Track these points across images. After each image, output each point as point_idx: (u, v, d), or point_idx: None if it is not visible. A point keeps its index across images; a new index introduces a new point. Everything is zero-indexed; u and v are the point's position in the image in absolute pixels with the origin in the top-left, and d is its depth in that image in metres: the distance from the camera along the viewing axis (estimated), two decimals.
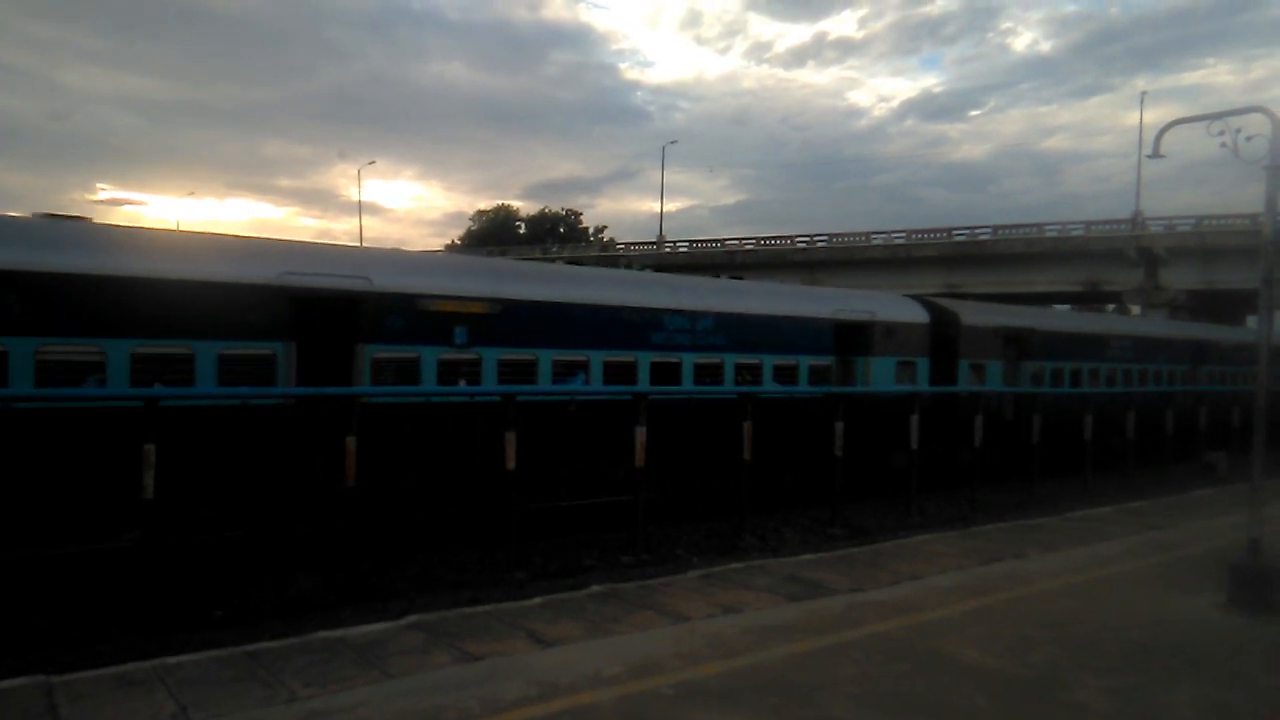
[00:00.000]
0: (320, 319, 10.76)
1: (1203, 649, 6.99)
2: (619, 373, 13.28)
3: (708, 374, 14.35)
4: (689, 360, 14.10)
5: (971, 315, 19.16)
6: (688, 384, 13.87)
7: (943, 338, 18.17)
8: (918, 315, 18.14)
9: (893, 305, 18.29)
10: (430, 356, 11.50)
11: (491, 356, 12.02)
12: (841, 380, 16.46)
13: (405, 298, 11.41)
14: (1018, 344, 19.75)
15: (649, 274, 17.75)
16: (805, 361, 15.76)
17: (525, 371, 12.37)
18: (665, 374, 13.81)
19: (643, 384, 13.18)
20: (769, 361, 15.20)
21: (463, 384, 11.74)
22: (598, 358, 13.10)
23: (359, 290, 11.06)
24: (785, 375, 15.46)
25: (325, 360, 10.76)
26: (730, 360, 14.62)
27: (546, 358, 12.58)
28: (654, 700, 5.51)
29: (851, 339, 16.70)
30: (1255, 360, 27.97)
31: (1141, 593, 8.71)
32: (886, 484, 15.38)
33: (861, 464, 14.82)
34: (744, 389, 13.74)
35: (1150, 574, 9.57)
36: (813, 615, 7.55)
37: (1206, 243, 45.47)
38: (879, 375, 16.77)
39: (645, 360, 13.58)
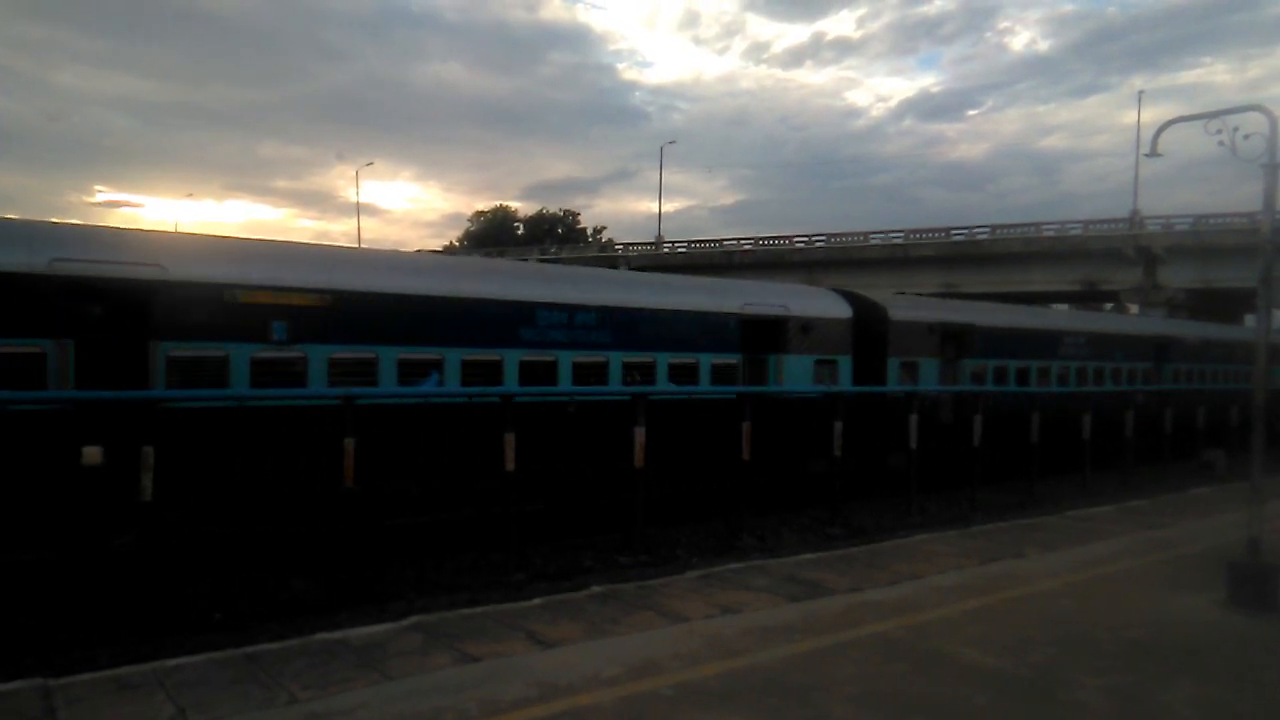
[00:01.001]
0: (102, 313, 9.67)
1: (1202, 648, 6.99)
2: (481, 372, 12.03)
3: (590, 374, 13.09)
4: (567, 359, 12.86)
5: (902, 310, 18.11)
6: (565, 384, 12.66)
7: (869, 334, 17.08)
8: (838, 310, 16.92)
9: (809, 299, 17.12)
10: (242, 355, 10.36)
11: (320, 355, 10.84)
12: (750, 380, 15.28)
13: (209, 288, 10.22)
14: (957, 341, 18.68)
15: (522, 263, 15.64)
16: (707, 360, 14.54)
17: (363, 372, 11.17)
18: (538, 374, 12.54)
19: (509, 384, 12.09)
20: (664, 360, 13.95)
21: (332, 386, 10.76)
22: (454, 356, 11.85)
23: (150, 279, 9.85)
24: (683, 375, 14.28)
25: (109, 360, 9.70)
26: (617, 359, 13.36)
27: (390, 356, 11.35)
28: (653, 701, 5.51)
29: (762, 336, 15.50)
30: (1225, 358, 27.51)
31: (1141, 592, 8.71)
32: (882, 483, 15.35)
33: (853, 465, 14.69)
34: (743, 389, 13.73)
35: (1149, 573, 9.57)
36: (812, 615, 7.55)
37: (1204, 241, 45.49)
38: (793, 374, 15.62)
39: (513, 359, 12.35)
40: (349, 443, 8.86)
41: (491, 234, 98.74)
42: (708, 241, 65.65)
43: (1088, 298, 54.21)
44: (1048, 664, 6.44)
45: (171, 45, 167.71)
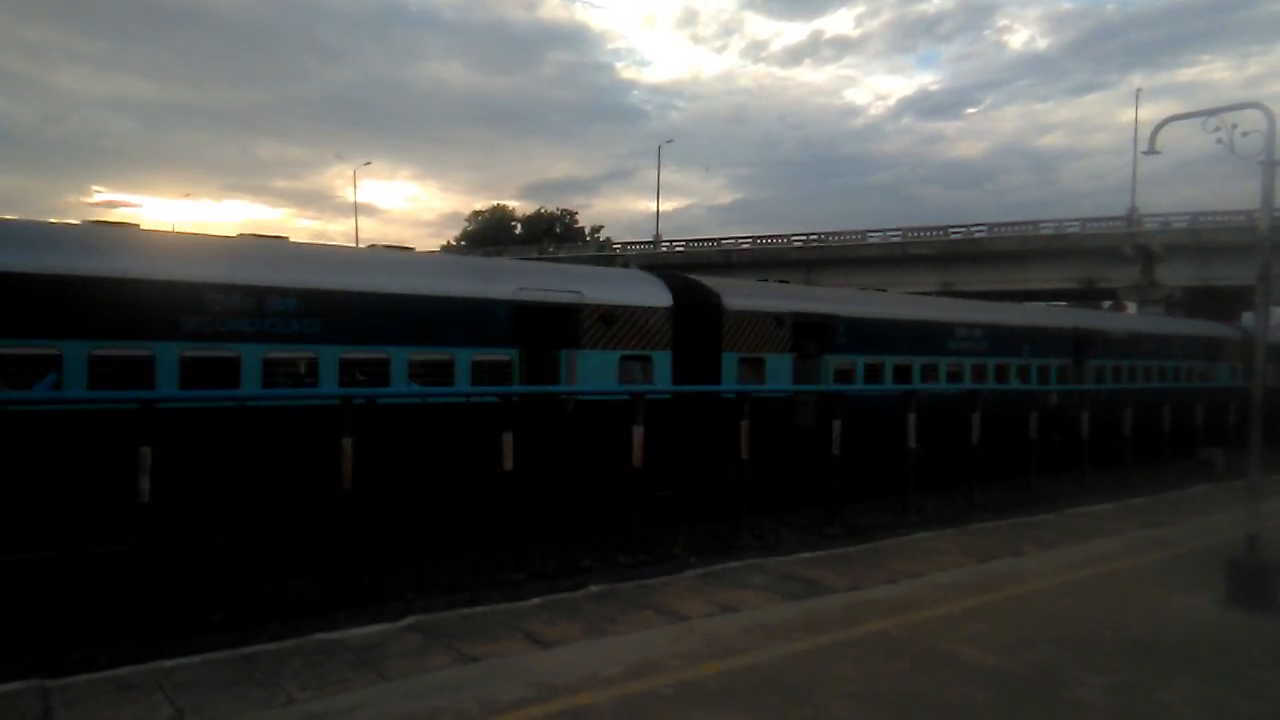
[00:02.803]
0: None
1: (1201, 646, 6.99)
2: (121, 371, 9.68)
3: (290, 373, 10.83)
4: (254, 354, 10.52)
5: (741, 297, 15.81)
6: (252, 386, 10.41)
7: (698, 325, 15.07)
8: (653, 296, 14.56)
9: (614, 284, 14.65)
10: None
11: None
12: (530, 380, 13.10)
13: None
14: (818, 334, 16.71)
15: (192, 236, 12.38)
16: (466, 356, 12.22)
17: None
18: (211, 374, 10.16)
19: (167, 386, 9.93)
20: (400, 356, 11.66)
21: None
22: (77, 350, 9.53)
23: None
24: (431, 374, 11.97)
25: None
26: (330, 354, 11.03)
27: None
28: (652, 700, 5.50)
29: (548, 327, 13.27)
30: (1160, 353, 25.77)
31: (1140, 590, 8.71)
32: (883, 483, 15.32)
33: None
34: (741, 388, 13.71)
35: (1148, 571, 9.57)
36: (811, 614, 7.54)
37: (1202, 239, 45.54)
38: (591, 373, 13.39)
39: (170, 354, 9.97)
40: (347, 443, 8.85)
41: (489, 234, 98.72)
42: (706, 240, 65.72)
43: (1086, 296, 54.29)
44: (1047, 662, 6.43)
45: (170, 46, 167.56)
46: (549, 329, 13.27)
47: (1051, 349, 21.61)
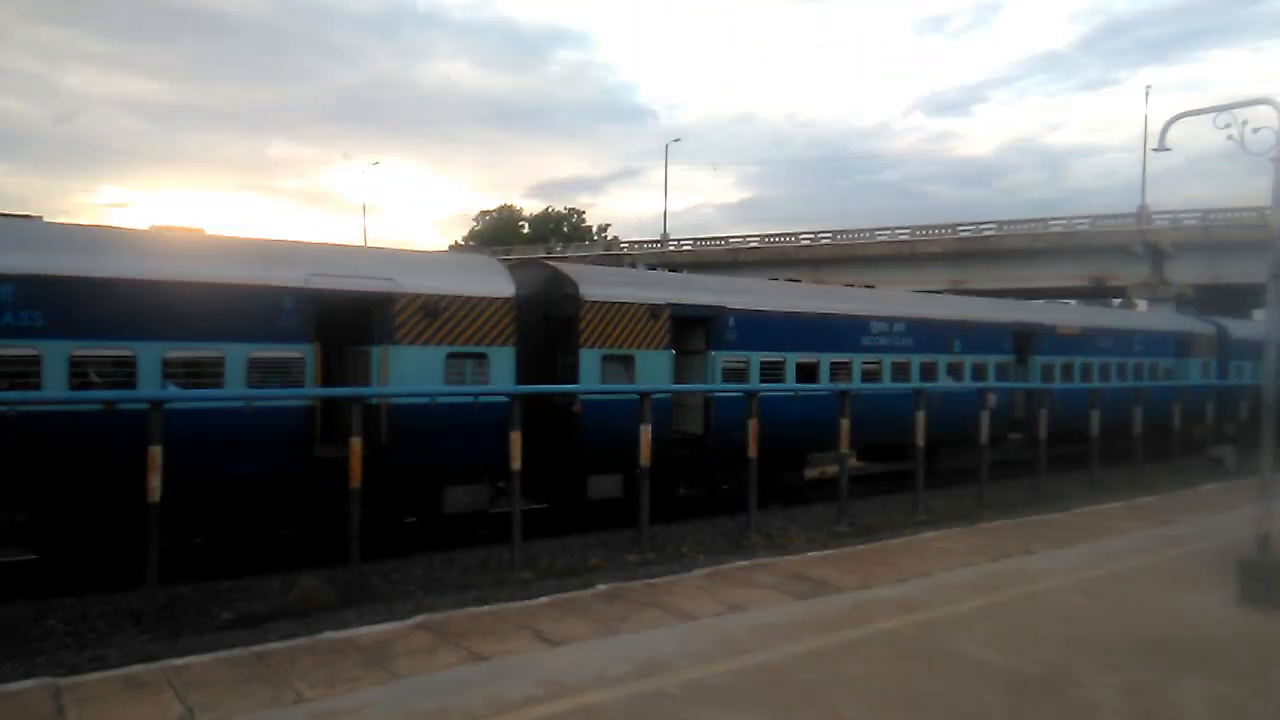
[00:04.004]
0: None
1: (1214, 644, 6.95)
2: None
3: (3, 372, 9.27)
4: None
5: (603, 287, 14.04)
6: None
7: (549, 318, 13.64)
8: (491, 286, 12.73)
9: (438, 271, 12.78)
10: None
11: None
12: (336, 380, 11.88)
13: None
14: (704, 328, 15.10)
15: None
16: (241, 353, 10.51)
17: None
18: None
19: None
20: (152, 353, 9.98)
21: None
22: None
23: None
24: (196, 374, 10.35)
25: None
26: (58, 352, 9.45)
27: None
28: (661, 699, 5.50)
29: (353, 320, 11.87)
30: (1119, 349, 24.41)
31: (1151, 589, 8.67)
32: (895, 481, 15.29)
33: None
34: (747, 387, 13.66)
35: (1160, 570, 9.53)
36: (820, 613, 7.53)
37: (1213, 236, 45.30)
38: (408, 373, 11.68)
39: None
40: (355, 442, 8.86)
41: (497, 233, 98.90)
42: (713, 239, 65.70)
43: (1096, 294, 54.08)
44: (1059, 661, 6.41)
45: (181, 47, 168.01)
46: (354, 323, 11.88)
47: (988, 344, 20.01)
